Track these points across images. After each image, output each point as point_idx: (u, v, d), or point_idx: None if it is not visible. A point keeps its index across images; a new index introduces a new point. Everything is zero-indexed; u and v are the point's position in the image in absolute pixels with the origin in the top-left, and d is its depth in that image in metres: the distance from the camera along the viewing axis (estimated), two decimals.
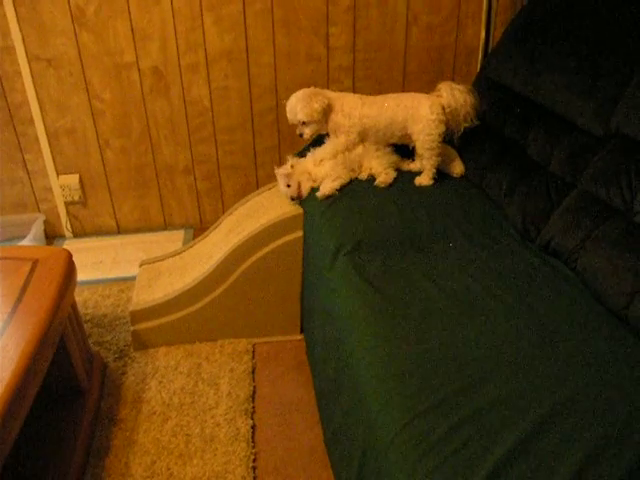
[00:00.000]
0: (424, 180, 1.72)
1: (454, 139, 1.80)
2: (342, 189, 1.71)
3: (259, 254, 1.77)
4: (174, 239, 2.57)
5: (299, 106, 1.76)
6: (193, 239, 2.57)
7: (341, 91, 2.40)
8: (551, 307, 1.22)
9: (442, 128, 1.72)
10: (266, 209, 1.86)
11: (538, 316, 1.19)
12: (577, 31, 1.55)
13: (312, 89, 1.80)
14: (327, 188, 1.70)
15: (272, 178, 2.59)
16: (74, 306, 1.65)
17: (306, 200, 1.78)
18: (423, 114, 1.70)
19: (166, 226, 2.64)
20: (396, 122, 1.73)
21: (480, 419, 0.94)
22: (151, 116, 2.39)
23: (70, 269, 1.55)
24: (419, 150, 1.73)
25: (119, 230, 2.63)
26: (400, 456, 0.91)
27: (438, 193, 1.68)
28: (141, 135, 2.43)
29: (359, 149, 1.79)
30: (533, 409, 0.97)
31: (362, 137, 1.77)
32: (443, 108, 1.72)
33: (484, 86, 1.97)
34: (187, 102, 2.38)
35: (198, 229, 2.64)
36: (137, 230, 2.63)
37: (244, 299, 1.84)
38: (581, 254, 1.33)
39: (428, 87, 2.42)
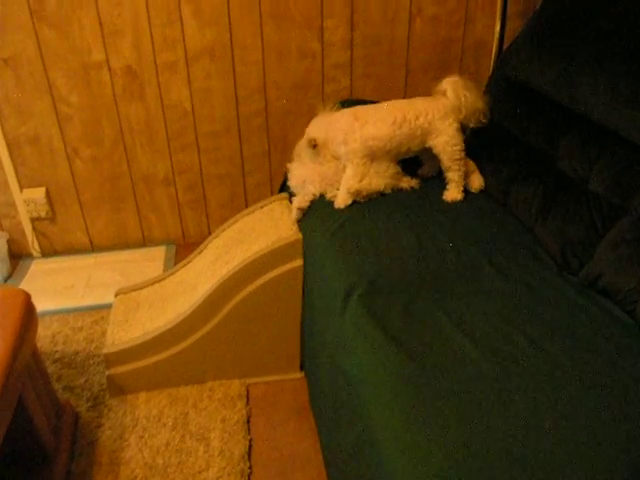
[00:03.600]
0: (455, 194, 1.52)
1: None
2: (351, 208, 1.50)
3: (251, 287, 1.53)
4: (154, 257, 2.32)
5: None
6: (175, 256, 2.34)
7: (338, 91, 2.19)
8: (613, 366, 1.00)
9: (462, 135, 1.51)
10: (258, 233, 1.62)
11: (597, 379, 0.97)
12: (624, 25, 1.33)
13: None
14: (343, 197, 1.49)
15: (262, 187, 2.38)
16: (36, 355, 1.41)
17: (306, 224, 1.55)
18: (446, 124, 1.48)
19: (145, 242, 2.39)
20: (415, 137, 1.50)
21: None
22: (125, 121, 2.13)
23: (28, 315, 1.30)
24: (447, 163, 1.52)
25: (93, 247, 2.37)
26: None
27: (459, 214, 1.46)
28: (114, 143, 2.17)
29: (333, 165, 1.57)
30: None
31: (372, 158, 1.53)
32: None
33: (502, 87, 1.75)
34: (165, 105, 2.12)
35: (181, 245, 2.40)
36: (113, 247, 2.37)
37: (235, 336, 1.61)
38: None
39: (433, 85, 2.24)
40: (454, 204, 1.52)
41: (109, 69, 2.03)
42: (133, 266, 2.26)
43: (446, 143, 1.49)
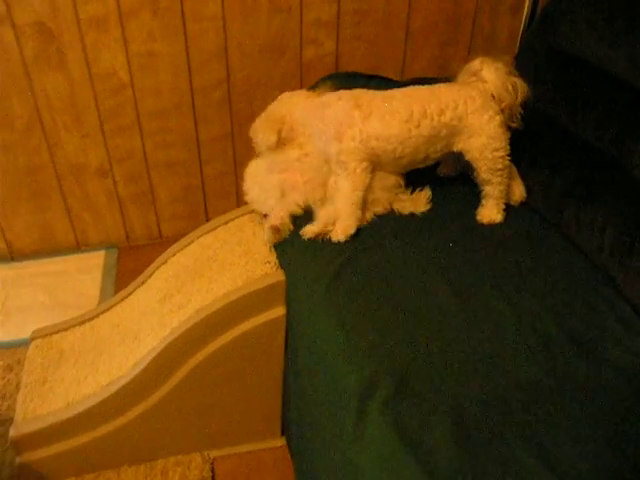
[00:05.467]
0: (493, 215, 1.12)
1: None
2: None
3: (215, 344, 1.11)
4: (91, 266, 1.86)
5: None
6: (117, 262, 1.89)
7: (321, 57, 1.72)
8: None
9: (508, 134, 1.09)
10: (222, 264, 1.18)
11: None
12: None
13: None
14: (344, 225, 1.07)
15: (224, 178, 1.91)
16: None
17: (287, 254, 1.12)
18: (485, 119, 1.05)
19: (79, 246, 1.92)
20: (437, 140, 1.07)
21: None
22: (41, 97, 1.62)
23: None
24: (484, 175, 1.10)
25: (12, 255, 1.88)
26: None
27: (505, 246, 1.06)
28: (29, 125, 1.66)
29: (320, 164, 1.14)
30: None
31: (374, 165, 1.10)
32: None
33: (543, 60, 1.32)
34: (94, 75, 1.61)
35: (124, 248, 1.94)
36: (38, 254, 1.88)
37: (196, 404, 1.19)
38: None
39: (439, 51, 1.79)
40: (492, 227, 1.11)
41: (13, 26, 1.51)
42: (63, 280, 1.80)
43: (485, 147, 1.07)
